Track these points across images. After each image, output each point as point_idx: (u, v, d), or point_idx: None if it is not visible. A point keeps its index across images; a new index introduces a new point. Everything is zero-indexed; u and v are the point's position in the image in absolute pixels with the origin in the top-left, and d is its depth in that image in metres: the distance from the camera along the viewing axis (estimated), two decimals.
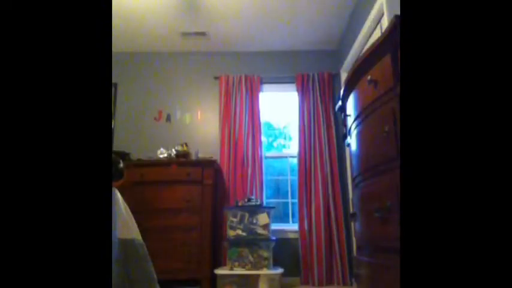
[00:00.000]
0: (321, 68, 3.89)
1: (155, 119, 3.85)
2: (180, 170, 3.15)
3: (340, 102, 1.97)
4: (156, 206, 3.06)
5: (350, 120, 1.77)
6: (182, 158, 3.37)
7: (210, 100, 3.85)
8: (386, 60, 1.34)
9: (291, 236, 3.53)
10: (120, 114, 3.88)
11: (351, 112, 1.73)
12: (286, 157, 4.03)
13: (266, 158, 3.82)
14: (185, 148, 3.49)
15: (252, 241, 3.02)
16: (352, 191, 1.86)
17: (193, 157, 3.47)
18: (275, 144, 4.35)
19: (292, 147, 4.05)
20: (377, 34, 2.83)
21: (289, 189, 3.86)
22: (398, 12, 1.10)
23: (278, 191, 3.95)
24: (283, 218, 3.81)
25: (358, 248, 1.76)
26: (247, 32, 3.68)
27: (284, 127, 4.35)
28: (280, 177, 3.96)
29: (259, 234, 3.06)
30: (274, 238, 3.08)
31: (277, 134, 4.40)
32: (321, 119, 3.69)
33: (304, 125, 3.70)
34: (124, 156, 3.38)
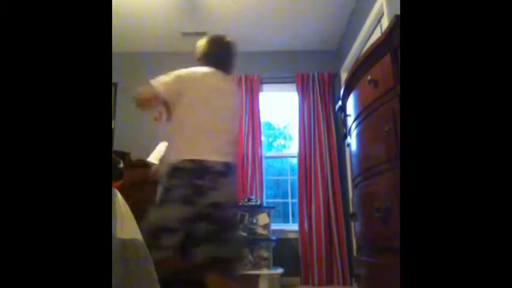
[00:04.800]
0: (321, 68, 3.89)
1: (155, 119, 3.84)
2: None
3: (340, 102, 1.96)
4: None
5: (350, 120, 1.77)
6: None
7: None
8: (387, 60, 1.33)
9: (291, 236, 3.53)
10: (120, 114, 3.87)
11: (351, 112, 1.73)
12: (286, 157, 4.03)
13: (266, 158, 3.82)
14: None
15: (252, 241, 3.02)
16: (352, 191, 1.86)
17: None
18: (275, 144, 4.36)
19: (292, 147, 4.05)
20: (377, 34, 2.83)
21: (289, 189, 3.86)
22: (398, 12, 1.10)
23: (278, 191, 3.95)
24: (283, 218, 3.82)
25: (358, 248, 1.76)
26: (247, 32, 3.68)
27: (284, 127, 4.35)
28: (280, 177, 3.96)
29: (259, 234, 3.06)
30: (274, 238, 3.08)
31: (277, 134, 4.40)
32: (321, 119, 3.69)
33: (304, 125, 3.71)
34: (124, 156, 3.37)
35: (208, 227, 1.34)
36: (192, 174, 1.36)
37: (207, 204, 1.35)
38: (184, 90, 1.52)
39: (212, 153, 1.41)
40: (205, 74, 1.62)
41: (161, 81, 1.53)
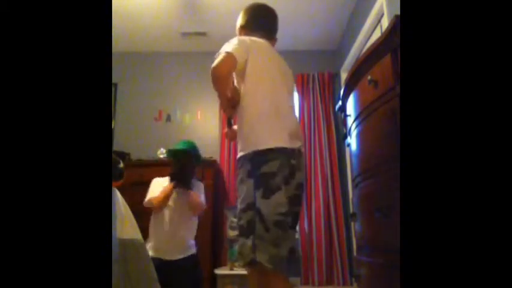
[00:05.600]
0: (321, 68, 3.89)
1: (155, 119, 3.85)
2: None
3: (340, 102, 1.97)
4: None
5: (350, 120, 1.77)
6: None
7: (210, 100, 3.85)
8: (386, 60, 1.33)
9: None
10: (120, 114, 3.88)
11: (351, 112, 1.73)
12: None
13: None
14: None
15: None
16: (352, 191, 1.86)
17: None
18: None
19: None
20: (377, 34, 2.83)
21: None
22: (398, 12, 1.10)
23: None
24: None
25: (358, 248, 1.76)
26: None
27: None
28: None
29: None
30: None
31: None
32: (321, 119, 3.69)
33: (304, 125, 3.70)
34: (124, 156, 3.37)
35: (294, 209, 1.26)
36: (287, 154, 1.28)
37: (295, 186, 1.27)
38: (252, 56, 1.37)
39: (291, 140, 1.32)
40: (267, 47, 1.46)
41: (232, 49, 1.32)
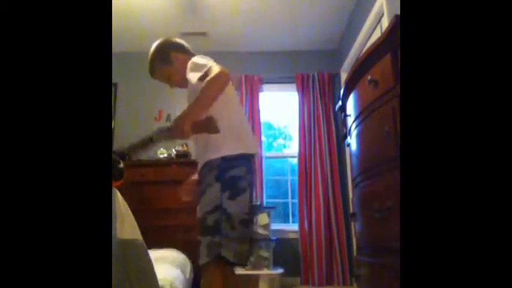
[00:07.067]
0: (321, 68, 3.88)
1: (155, 119, 3.85)
2: (180, 170, 3.15)
3: (340, 102, 1.96)
4: (156, 206, 3.07)
5: (350, 120, 1.77)
6: (182, 158, 3.37)
7: None
8: (386, 60, 1.33)
9: (291, 236, 3.53)
10: (120, 114, 3.87)
11: (351, 112, 1.73)
12: (286, 157, 4.03)
13: (266, 158, 3.82)
14: (185, 148, 3.49)
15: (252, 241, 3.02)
16: (352, 191, 1.86)
17: (193, 157, 3.46)
18: (275, 144, 4.35)
19: (292, 147, 4.05)
20: (377, 34, 2.83)
21: (289, 189, 3.86)
22: (398, 12, 1.10)
23: (278, 191, 3.95)
24: (283, 218, 3.81)
25: (358, 248, 1.76)
26: (247, 32, 3.68)
27: (284, 127, 4.35)
28: (280, 177, 3.96)
29: (259, 234, 3.06)
30: (274, 238, 3.08)
31: (277, 134, 4.40)
32: (321, 119, 3.68)
33: (304, 125, 3.70)
34: (124, 156, 3.37)
35: (251, 205, 1.43)
36: (250, 160, 1.44)
37: (253, 187, 1.46)
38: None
39: (252, 147, 1.49)
40: None
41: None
